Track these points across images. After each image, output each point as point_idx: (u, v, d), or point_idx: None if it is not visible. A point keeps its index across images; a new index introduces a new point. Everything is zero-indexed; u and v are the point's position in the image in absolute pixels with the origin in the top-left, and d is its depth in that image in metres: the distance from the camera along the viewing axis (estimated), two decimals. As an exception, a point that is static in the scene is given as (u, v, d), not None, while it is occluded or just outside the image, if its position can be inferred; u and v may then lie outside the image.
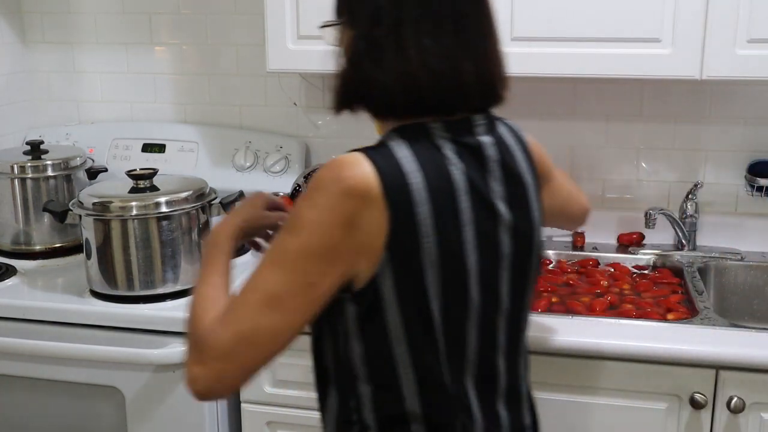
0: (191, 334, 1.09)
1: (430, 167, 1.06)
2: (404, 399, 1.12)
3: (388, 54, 1.08)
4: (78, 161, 2.13)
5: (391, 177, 1.03)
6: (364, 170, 1.03)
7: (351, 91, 1.13)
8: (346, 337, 1.12)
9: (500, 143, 1.15)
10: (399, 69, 1.07)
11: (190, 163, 2.34)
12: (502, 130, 1.18)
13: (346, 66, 1.13)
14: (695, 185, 2.09)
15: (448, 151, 1.09)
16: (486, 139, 1.13)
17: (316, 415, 1.75)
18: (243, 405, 1.79)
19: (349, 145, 2.64)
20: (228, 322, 1.05)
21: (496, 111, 1.21)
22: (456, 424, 1.14)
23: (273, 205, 1.33)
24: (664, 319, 1.72)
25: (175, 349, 1.68)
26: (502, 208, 1.12)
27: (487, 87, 1.13)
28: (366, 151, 1.07)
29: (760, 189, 2.05)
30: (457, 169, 1.08)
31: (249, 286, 1.06)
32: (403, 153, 1.06)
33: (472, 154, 1.11)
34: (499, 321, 1.16)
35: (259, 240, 1.35)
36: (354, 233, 1.03)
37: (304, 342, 1.73)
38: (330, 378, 1.19)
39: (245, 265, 1.99)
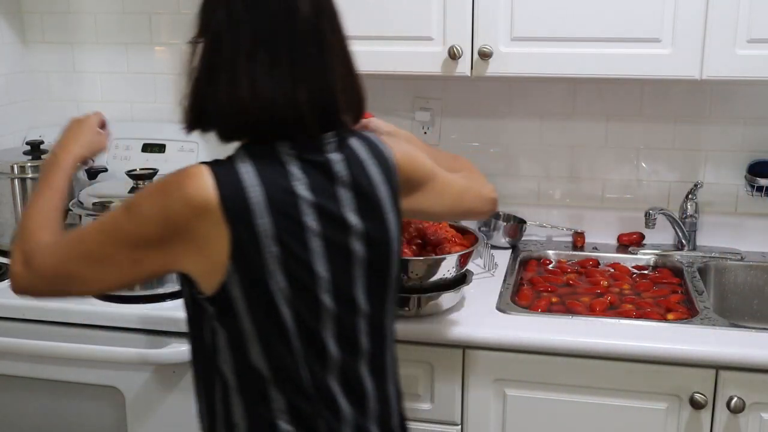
0: (24, 240, 1.23)
1: (272, 182, 1.12)
2: (270, 399, 1.17)
3: (223, 81, 1.13)
4: (78, 161, 2.12)
5: (230, 191, 1.10)
6: (205, 183, 1.10)
7: (192, 113, 1.19)
8: (213, 337, 1.18)
9: (350, 159, 1.20)
10: (231, 97, 1.13)
11: (190, 163, 2.34)
12: (356, 145, 1.22)
13: (188, 87, 1.18)
14: (695, 185, 2.09)
15: (293, 167, 1.14)
16: (335, 156, 1.18)
17: (316, 415, 1.75)
18: (243, 405, 1.79)
19: (349, 145, 2.60)
20: (56, 253, 1.19)
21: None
22: (319, 424, 1.18)
23: (102, 123, 1.50)
24: (664, 319, 1.72)
25: (175, 349, 1.68)
26: (352, 218, 1.17)
27: (323, 114, 1.16)
28: (212, 164, 1.14)
29: (760, 189, 2.05)
30: (301, 184, 1.13)
31: (83, 235, 1.19)
32: (246, 169, 1.12)
33: (320, 170, 1.16)
34: (359, 325, 1.20)
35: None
36: (185, 238, 1.11)
37: (304, 342, 1.73)
38: (201, 379, 1.24)
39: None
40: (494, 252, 2.02)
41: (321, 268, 1.14)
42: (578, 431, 1.65)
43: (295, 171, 1.14)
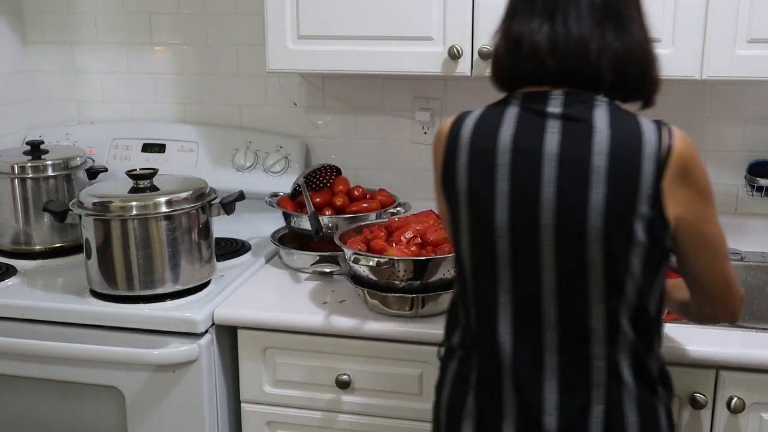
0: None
1: (482, 125, 1.24)
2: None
3: (496, 31, 1.28)
4: (78, 161, 2.13)
5: (454, 128, 1.27)
6: (448, 121, 1.31)
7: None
8: None
9: (572, 119, 1.19)
10: (494, 43, 1.28)
11: (190, 163, 2.34)
12: (600, 113, 1.19)
13: None
14: (695, 185, 2.09)
15: (509, 115, 1.23)
16: (554, 111, 1.20)
17: (316, 415, 1.75)
18: (243, 405, 1.79)
19: (350, 145, 2.66)
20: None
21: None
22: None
23: None
24: (664, 319, 1.71)
25: (175, 349, 1.68)
26: (548, 174, 1.18)
27: (568, 64, 1.19)
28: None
29: (760, 189, 2.05)
30: (507, 131, 1.21)
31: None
32: (476, 113, 1.28)
33: (531, 124, 1.21)
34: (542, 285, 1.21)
35: None
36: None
37: (304, 342, 1.74)
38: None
39: (242, 265, 1.98)
40: (494, 252, 2.02)
41: (501, 214, 1.21)
42: (578, 431, 1.64)
43: (509, 119, 1.22)
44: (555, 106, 1.20)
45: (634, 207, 1.16)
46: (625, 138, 1.17)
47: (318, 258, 1.92)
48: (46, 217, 2.01)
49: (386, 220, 1.82)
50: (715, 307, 1.34)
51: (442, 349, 1.40)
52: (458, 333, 1.34)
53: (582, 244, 1.18)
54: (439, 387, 1.37)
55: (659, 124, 1.20)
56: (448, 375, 1.34)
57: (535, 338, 1.23)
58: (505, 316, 1.24)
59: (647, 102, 1.27)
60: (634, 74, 1.22)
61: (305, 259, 1.94)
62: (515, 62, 1.23)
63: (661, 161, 1.17)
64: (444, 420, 1.33)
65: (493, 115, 1.25)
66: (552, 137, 1.19)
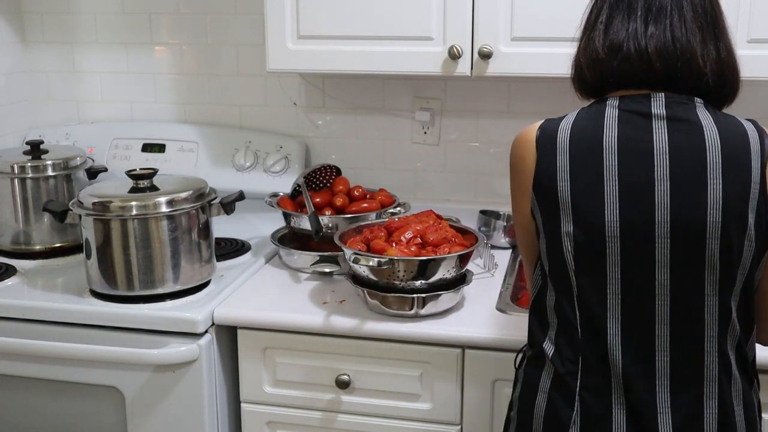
0: None
1: (582, 128, 1.24)
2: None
3: (585, 35, 1.29)
4: (78, 161, 2.12)
5: (546, 131, 1.27)
6: (532, 127, 1.30)
7: (574, 71, 1.32)
8: None
9: (679, 119, 1.21)
10: (587, 46, 1.27)
11: (190, 163, 2.34)
12: (703, 113, 1.23)
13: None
14: (695, 185, 2.09)
15: (609, 118, 1.24)
16: (659, 112, 1.22)
17: (316, 415, 1.75)
18: (243, 405, 1.79)
19: (350, 145, 2.66)
20: None
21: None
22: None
23: None
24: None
25: (175, 349, 1.68)
26: (660, 172, 1.20)
27: (674, 69, 1.22)
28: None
29: (760, 189, 2.04)
30: (610, 133, 1.22)
31: None
32: (570, 117, 1.27)
33: (635, 124, 1.22)
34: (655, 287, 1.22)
35: None
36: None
37: (304, 342, 1.74)
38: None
39: (242, 265, 1.99)
40: (494, 252, 2.02)
41: (611, 215, 1.20)
42: (578, 431, 1.64)
43: (610, 121, 1.23)
44: (659, 108, 1.22)
45: (747, 199, 1.20)
46: (733, 134, 1.21)
47: (318, 258, 1.92)
48: (46, 217, 2.01)
49: (386, 220, 1.82)
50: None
51: (521, 357, 1.38)
52: (551, 339, 1.29)
53: (700, 239, 1.19)
54: (527, 396, 1.31)
55: (753, 122, 1.25)
56: (543, 383, 1.29)
57: (646, 338, 1.22)
58: (614, 318, 1.22)
59: (720, 108, 1.30)
60: (729, 81, 1.27)
61: (305, 259, 1.94)
62: (617, 65, 1.24)
63: (764, 155, 1.21)
64: (542, 431, 1.29)
65: (589, 118, 1.26)
66: (660, 137, 1.21)
